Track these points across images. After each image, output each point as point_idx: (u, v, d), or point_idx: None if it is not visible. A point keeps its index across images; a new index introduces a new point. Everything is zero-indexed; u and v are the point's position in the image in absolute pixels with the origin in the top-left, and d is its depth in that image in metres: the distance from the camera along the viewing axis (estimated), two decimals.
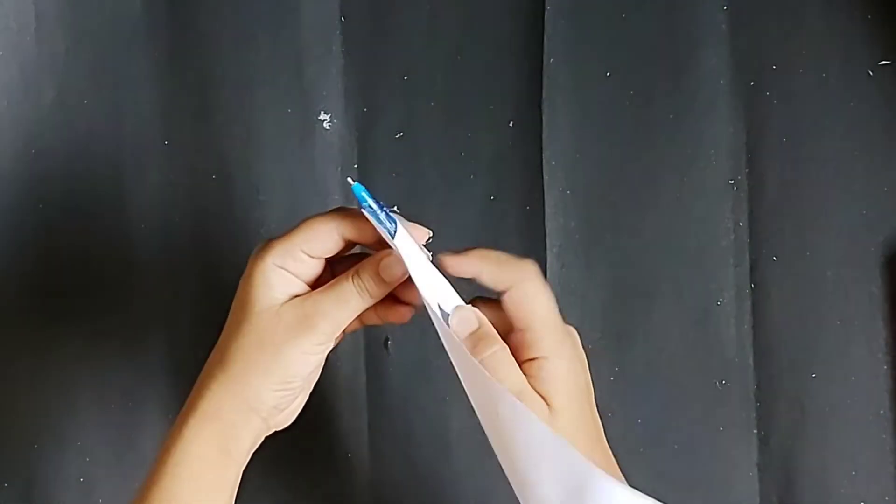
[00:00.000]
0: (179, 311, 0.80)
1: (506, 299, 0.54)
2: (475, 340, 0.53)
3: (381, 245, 0.55)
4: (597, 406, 0.56)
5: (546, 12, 0.76)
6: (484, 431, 0.53)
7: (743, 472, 0.75)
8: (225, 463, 0.55)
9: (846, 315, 0.73)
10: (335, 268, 0.57)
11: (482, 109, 0.78)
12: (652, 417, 0.75)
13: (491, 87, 0.78)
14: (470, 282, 0.55)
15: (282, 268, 0.55)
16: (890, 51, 0.72)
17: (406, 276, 0.54)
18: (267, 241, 0.56)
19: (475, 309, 0.54)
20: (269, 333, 0.54)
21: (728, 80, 0.75)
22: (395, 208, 0.55)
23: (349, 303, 0.54)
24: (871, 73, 0.72)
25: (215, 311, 0.58)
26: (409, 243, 0.54)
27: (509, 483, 0.52)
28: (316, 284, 0.56)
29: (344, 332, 0.57)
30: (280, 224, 0.55)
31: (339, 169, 0.80)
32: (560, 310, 0.55)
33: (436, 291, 0.54)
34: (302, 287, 0.56)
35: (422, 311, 0.56)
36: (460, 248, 0.55)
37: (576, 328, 0.56)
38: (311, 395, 0.58)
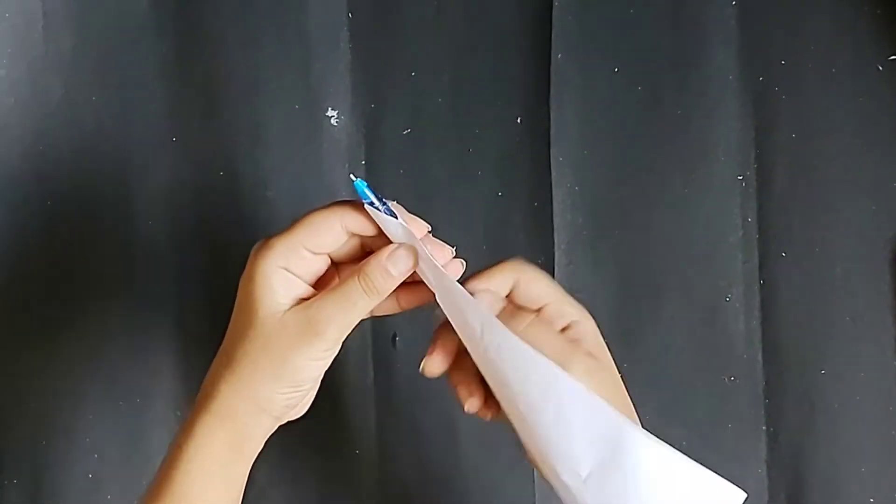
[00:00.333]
0: (187, 307, 0.80)
1: (515, 294, 0.56)
2: (508, 317, 0.54)
3: (383, 237, 0.53)
4: None
5: (553, 8, 0.76)
6: (501, 404, 0.54)
7: (752, 469, 0.75)
8: (236, 461, 0.55)
9: (855, 311, 0.73)
10: (341, 273, 0.56)
11: (489, 106, 0.78)
12: (660, 414, 0.75)
13: (498, 83, 0.77)
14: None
15: (284, 268, 0.53)
16: None
17: (413, 270, 0.53)
18: (266, 239, 0.53)
19: (497, 292, 0.56)
20: (274, 341, 0.52)
21: (736, 76, 0.74)
22: (395, 201, 0.54)
23: (356, 304, 0.53)
24: (880, 69, 0.72)
25: (223, 308, 0.57)
26: (412, 239, 0.53)
27: (516, 478, 0.52)
28: (320, 282, 0.55)
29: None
30: (288, 221, 0.54)
31: (347, 165, 0.79)
32: None
33: (443, 281, 0.54)
34: (305, 288, 0.54)
35: (422, 309, 0.56)
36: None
37: None
38: (319, 392, 0.57)
